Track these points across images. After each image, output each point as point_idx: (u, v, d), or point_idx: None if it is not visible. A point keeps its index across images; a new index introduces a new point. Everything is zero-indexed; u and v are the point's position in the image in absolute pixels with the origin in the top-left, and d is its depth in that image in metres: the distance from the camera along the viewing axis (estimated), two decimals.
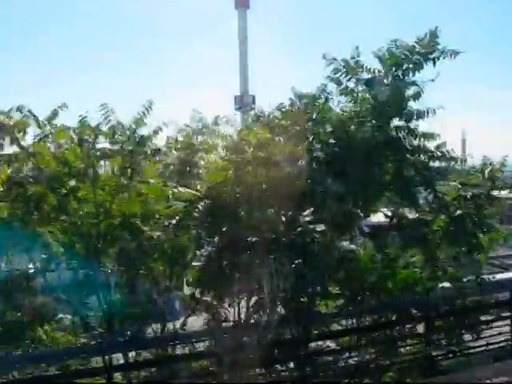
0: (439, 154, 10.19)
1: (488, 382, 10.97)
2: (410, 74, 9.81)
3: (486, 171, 11.60)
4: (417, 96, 10.02)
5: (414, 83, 9.90)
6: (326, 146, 10.00)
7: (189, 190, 9.12)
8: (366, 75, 9.90)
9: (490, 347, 12.60)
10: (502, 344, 12.84)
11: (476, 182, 11.25)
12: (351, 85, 10.08)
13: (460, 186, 11.05)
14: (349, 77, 9.94)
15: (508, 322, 13.17)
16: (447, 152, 10.13)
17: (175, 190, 9.19)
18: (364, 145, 9.71)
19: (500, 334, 12.85)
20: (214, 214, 8.99)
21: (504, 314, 13.31)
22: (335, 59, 9.82)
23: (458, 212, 10.80)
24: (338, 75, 9.95)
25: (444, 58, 9.68)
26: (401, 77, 9.89)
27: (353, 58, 9.90)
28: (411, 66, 9.77)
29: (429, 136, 10.13)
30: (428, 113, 10.00)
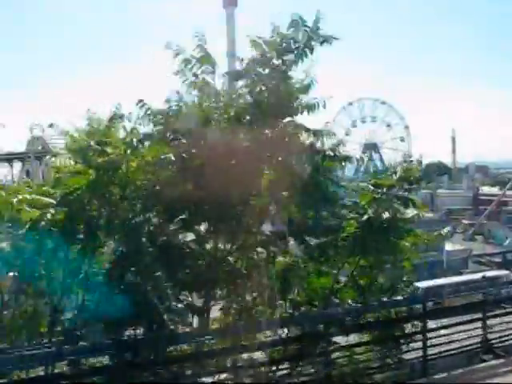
0: (331, 153, 9.38)
1: None
2: (293, 66, 8.95)
3: (400, 171, 10.81)
4: (305, 89, 9.12)
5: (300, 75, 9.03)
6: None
7: (42, 198, 8.33)
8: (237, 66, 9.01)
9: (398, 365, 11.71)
10: (414, 361, 11.89)
11: (389, 183, 10.46)
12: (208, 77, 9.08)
13: (373, 188, 10.28)
14: (202, 68, 8.96)
15: (420, 336, 12.22)
16: (339, 151, 9.35)
17: (27, 197, 8.33)
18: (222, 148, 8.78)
19: (412, 350, 11.95)
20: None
21: (415, 330, 12.38)
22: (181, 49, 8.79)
23: (365, 217, 10.03)
24: (189, 66, 8.97)
25: (323, 43, 8.87)
26: (282, 67, 8.98)
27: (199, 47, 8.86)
28: (293, 54, 8.89)
29: (320, 134, 9.26)
30: (317, 106, 9.12)
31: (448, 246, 68.82)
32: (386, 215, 10.08)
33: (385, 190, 10.28)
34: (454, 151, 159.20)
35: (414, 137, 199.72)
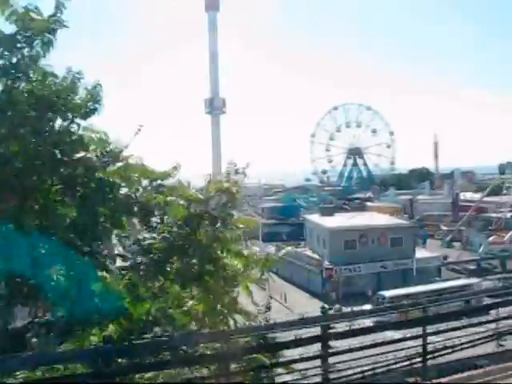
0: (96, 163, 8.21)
1: None
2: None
3: (212, 184, 9.66)
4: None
5: None
6: None
7: None
8: None
9: None
10: None
11: (199, 198, 9.26)
12: None
13: (185, 203, 9.17)
14: None
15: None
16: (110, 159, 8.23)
17: None
18: None
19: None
20: None
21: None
22: None
23: (166, 235, 8.89)
24: None
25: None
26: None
27: None
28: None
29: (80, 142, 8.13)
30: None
31: (419, 254, 67.87)
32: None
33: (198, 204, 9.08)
34: (436, 156, 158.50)
35: (398, 142, 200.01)
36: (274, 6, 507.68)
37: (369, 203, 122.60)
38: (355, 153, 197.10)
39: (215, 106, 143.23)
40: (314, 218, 75.60)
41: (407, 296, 50.70)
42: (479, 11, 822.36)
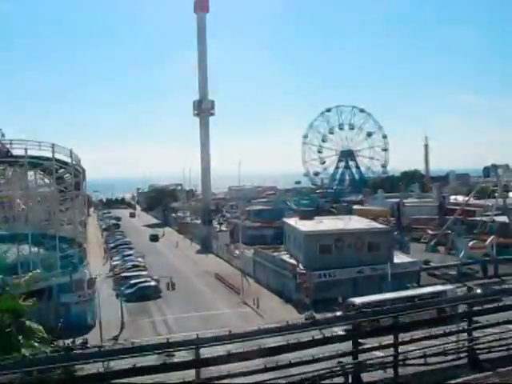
0: None
1: None
2: None
3: None
4: None
5: None
6: None
7: None
8: None
9: None
10: None
11: None
12: None
13: None
14: None
15: None
16: None
17: None
18: None
19: None
20: None
21: None
22: None
23: None
24: None
25: None
26: None
27: None
28: None
29: None
30: None
31: (398, 259, 66.33)
32: None
33: None
34: (426, 159, 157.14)
35: (392, 145, 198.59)
36: (266, 8, 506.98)
37: (355, 206, 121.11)
38: (347, 155, 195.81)
39: (203, 108, 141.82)
40: (292, 221, 74.05)
41: (378, 303, 49.23)
42: (478, 15, 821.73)
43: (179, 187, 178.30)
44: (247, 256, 78.08)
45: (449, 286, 55.39)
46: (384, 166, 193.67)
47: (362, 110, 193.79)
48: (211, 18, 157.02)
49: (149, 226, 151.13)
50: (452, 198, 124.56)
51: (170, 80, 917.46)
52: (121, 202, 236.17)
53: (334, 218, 77.24)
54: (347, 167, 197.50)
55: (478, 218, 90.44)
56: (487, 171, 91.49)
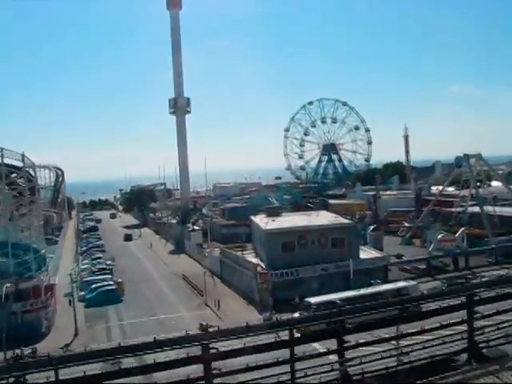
0: None
1: None
2: None
3: None
4: None
5: None
6: None
7: None
8: None
9: None
10: None
11: None
12: None
13: None
14: None
15: None
16: None
17: None
18: None
19: None
20: None
21: None
22: None
23: None
24: None
25: None
26: None
27: None
28: None
29: None
30: None
31: (365, 254, 64.66)
32: None
33: None
34: (407, 150, 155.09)
35: (376, 137, 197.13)
36: (243, 4, 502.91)
37: (332, 200, 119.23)
38: (330, 149, 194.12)
39: (179, 106, 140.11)
40: (257, 219, 72.05)
41: (335, 302, 47.47)
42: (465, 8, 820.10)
43: (162, 187, 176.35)
44: (214, 256, 76.24)
45: (411, 282, 53.57)
46: (367, 160, 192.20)
47: (344, 104, 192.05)
48: (186, 15, 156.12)
49: (127, 227, 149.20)
50: (434, 188, 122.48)
51: (150, 78, 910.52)
52: (104, 203, 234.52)
53: (302, 214, 74.95)
54: (330, 161, 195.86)
55: (454, 210, 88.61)
56: (459, 161, 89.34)
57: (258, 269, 59.47)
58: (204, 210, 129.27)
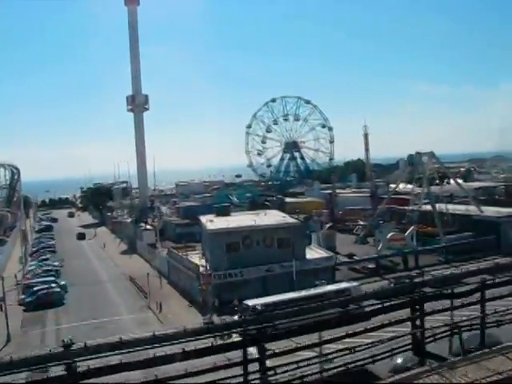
0: None
1: None
2: None
3: None
4: None
5: None
6: None
7: None
8: None
9: None
10: None
11: None
12: None
13: None
14: None
15: None
16: None
17: None
18: None
19: None
20: None
21: None
22: None
23: None
24: None
25: None
26: None
27: None
28: None
29: None
30: None
31: (311, 254, 63.60)
32: None
33: None
34: (367, 148, 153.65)
35: (339, 136, 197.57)
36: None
37: (288, 199, 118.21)
38: (292, 146, 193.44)
39: (137, 103, 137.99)
40: (205, 219, 70.44)
41: (275, 304, 46.17)
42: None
43: (124, 185, 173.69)
44: (162, 256, 74.62)
45: (353, 283, 52.36)
46: (331, 159, 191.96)
47: (307, 102, 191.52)
48: (144, 11, 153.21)
49: (85, 226, 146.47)
50: (393, 186, 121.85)
51: (112, 76, 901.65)
52: (65, 202, 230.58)
53: (251, 214, 73.57)
54: (292, 158, 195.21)
55: (406, 208, 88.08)
56: (411, 159, 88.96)
57: (201, 270, 58.10)
58: (163, 209, 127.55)
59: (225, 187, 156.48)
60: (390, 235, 71.35)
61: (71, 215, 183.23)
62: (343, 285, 52.06)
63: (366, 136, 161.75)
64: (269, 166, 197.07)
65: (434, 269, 64.19)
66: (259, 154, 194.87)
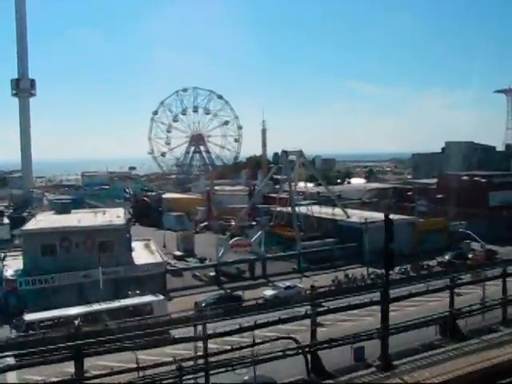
0: None
1: None
2: None
3: None
4: None
5: None
6: None
7: None
8: None
9: None
10: None
11: None
12: None
13: None
14: None
15: None
16: None
17: None
18: None
19: None
20: None
21: None
22: None
23: None
24: None
25: None
26: None
27: None
28: None
29: None
30: None
31: (141, 260, 58.77)
32: None
33: None
34: (264, 144, 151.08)
35: (253, 132, 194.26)
36: None
37: (166, 195, 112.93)
38: (198, 139, 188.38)
39: (22, 88, 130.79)
40: (37, 216, 64.42)
41: (56, 320, 41.04)
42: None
43: (16, 174, 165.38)
44: None
45: (159, 297, 46.89)
46: (236, 158, 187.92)
47: (220, 97, 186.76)
48: None
49: None
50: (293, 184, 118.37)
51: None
52: None
53: (91, 212, 68.09)
54: (197, 152, 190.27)
55: (279, 209, 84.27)
56: (277, 157, 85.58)
57: (5, 274, 52.39)
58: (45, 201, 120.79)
59: (119, 179, 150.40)
60: (233, 241, 66.50)
61: None
62: (145, 299, 46.83)
63: (263, 132, 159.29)
64: (163, 155, 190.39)
65: (285, 278, 60.33)
66: (168, 144, 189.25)
